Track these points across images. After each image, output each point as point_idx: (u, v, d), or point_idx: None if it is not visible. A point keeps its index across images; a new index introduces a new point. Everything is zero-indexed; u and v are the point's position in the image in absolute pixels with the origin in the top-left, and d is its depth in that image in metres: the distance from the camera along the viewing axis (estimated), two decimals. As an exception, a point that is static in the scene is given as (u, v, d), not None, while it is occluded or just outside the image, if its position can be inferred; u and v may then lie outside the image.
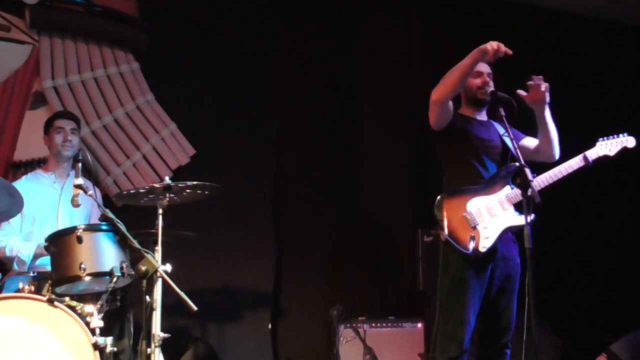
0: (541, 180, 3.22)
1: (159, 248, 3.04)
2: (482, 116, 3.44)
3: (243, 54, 4.77)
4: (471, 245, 3.13)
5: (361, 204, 5.06)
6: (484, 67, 3.38)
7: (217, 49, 4.72)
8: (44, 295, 2.83)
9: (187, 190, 3.14)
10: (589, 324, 4.91)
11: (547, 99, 3.23)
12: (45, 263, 3.34)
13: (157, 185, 3.06)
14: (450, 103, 3.25)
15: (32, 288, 2.93)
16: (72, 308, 2.83)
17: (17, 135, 4.20)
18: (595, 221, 5.23)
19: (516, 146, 3.09)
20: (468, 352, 3.13)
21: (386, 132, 5.14)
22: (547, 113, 3.27)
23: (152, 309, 2.86)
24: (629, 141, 3.34)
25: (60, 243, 2.96)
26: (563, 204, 4.79)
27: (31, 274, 3.06)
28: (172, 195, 3.11)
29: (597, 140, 3.33)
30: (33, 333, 2.74)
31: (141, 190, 3.09)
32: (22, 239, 3.52)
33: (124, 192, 3.28)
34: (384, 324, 4.38)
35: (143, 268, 2.76)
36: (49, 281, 2.93)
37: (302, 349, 4.60)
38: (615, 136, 3.33)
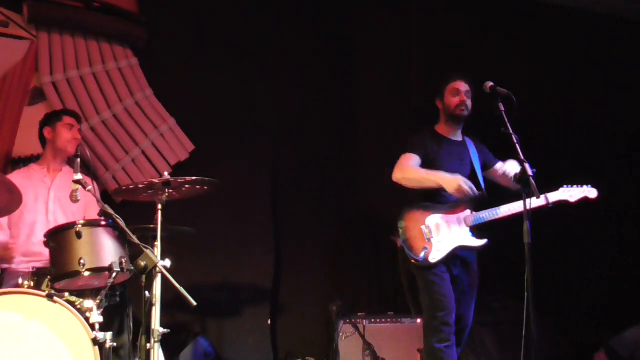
0: (502, 212, 3.52)
1: (158, 243, 3.03)
2: (458, 136, 3.70)
3: (242, 50, 4.76)
4: (422, 254, 3.45)
5: (360, 200, 5.06)
6: (462, 86, 3.62)
7: (216, 45, 4.72)
8: (44, 291, 2.83)
9: (186, 186, 3.14)
10: (588, 320, 4.91)
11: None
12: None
13: (156, 181, 3.05)
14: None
15: (32, 283, 2.93)
16: (72, 303, 2.83)
17: (16, 131, 4.19)
18: (595, 217, 5.23)
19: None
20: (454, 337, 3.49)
21: (385, 129, 5.13)
22: None
23: (151, 305, 2.86)
24: (591, 192, 3.57)
25: (59, 238, 2.96)
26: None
27: (30, 269, 3.05)
28: (171, 190, 3.10)
29: (560, 186, 3.56)
30: (32, 328, 2.73)
31: (140, 186, 3.09)
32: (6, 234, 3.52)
33: (123, 188, 3.27)
34: (384, 320, 4.37)
35: (142, 263, 2.76)
36: (48, 277, 2.93)
37: (301, 344, 4.60)
38: (579, 186, 3.57)
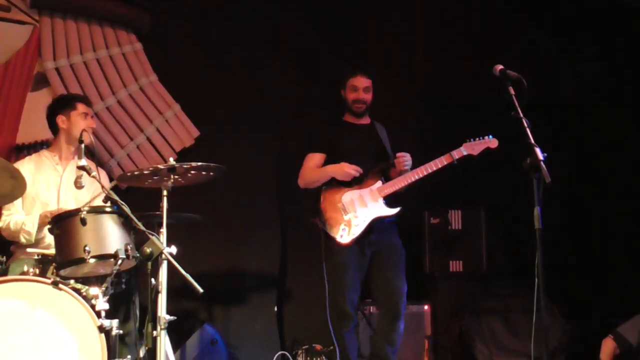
0: (410, 178, 3.69)
1: (163, 230, 2.99)
2: (365, 120, 3.93)
3: (247, 34, 4.72)
4: (344, 232, 3.61)
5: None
6: (360, 82, 3.84)
7: (221, 29, 4.67)
8: (49, 278, 2.81)
9: (192, 172, 3.10)
10: (597, 306, 4.89)
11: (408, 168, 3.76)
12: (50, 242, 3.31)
13: (161, 167, 3.02)
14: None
15: (37, 271, 2.91)
16: (77, 291, 2.81)
17: (19, 118, 4.17)
18: (605, 203, 5.19)
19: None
20: (355, 322, 3.72)
21: (391, 115, 5.07)
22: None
23: (157, 292, 2.84)
24: (492, 142, 3.70)
25: (64, 225, 2.94)
26: (574, 183, 4.74)
27: (35, 257, 3.03)
28: (176, 176, 3.06)
29: (463, 142, 3.69)
30: (38, 316, 2.72)
31: (145, 172, 3.05)
32: None
33: (128, 174, 3.23)
34: (391, 306, 4.34)
35: (148, 250, 2.74)
36: (54, 264, 2.91)
37: (307, 331, 4.58)
38: (480, 138, 3.68)
